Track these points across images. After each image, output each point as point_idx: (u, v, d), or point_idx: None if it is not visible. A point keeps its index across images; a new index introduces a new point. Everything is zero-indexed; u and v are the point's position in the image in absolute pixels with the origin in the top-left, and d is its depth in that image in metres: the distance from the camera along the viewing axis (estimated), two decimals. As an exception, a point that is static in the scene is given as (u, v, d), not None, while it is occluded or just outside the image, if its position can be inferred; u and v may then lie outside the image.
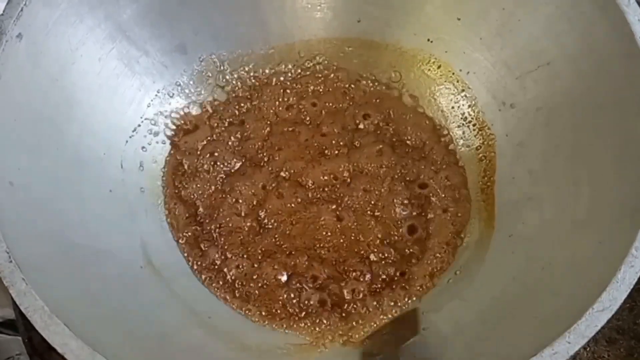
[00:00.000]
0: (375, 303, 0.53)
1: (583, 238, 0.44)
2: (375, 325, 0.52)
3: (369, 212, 0.57)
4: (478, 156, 0.58)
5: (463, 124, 0.60)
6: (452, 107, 0.61)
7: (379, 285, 0.54)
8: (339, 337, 0.52)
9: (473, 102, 0.59)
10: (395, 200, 0.57)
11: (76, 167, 0.50)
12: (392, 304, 0.53)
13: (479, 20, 0.57)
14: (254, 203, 0.57)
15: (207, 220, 0.57)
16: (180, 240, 0.56)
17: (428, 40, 0.61)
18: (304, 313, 0.53)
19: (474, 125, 0.59)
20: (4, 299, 0.53)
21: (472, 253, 0.54)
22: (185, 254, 0.55)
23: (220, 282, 0.54)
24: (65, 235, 0.45)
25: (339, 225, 0.56)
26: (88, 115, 0.52)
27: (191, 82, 0.60)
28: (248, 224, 0.56)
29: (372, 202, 0.57)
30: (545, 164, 0.52)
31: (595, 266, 0.40)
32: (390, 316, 0.52)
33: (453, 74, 0.60)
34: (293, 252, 0.55)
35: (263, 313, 0.53)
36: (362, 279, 0.54)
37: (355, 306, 0.53)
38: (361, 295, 0.53)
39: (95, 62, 0.53)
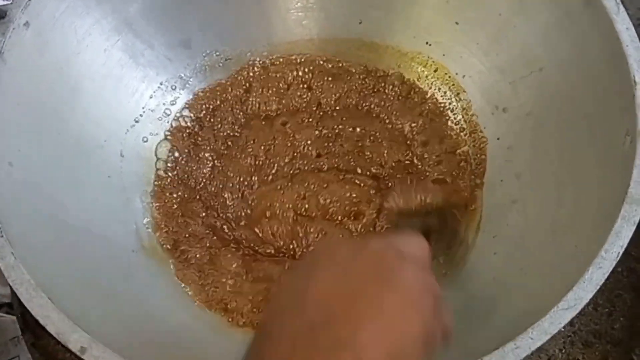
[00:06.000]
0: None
1: (562, 241, 0.45)
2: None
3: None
4: (467, 158, 0.59)
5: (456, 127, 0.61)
6: (447, 110, 0.62)
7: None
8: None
9: (467, 105, 0.60)
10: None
11: (76, 153, 0.52)
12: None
13: (477, 26, 0.57)
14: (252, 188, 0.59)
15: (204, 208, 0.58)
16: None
17: (427, 43, 0.62)
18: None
19: (466, 128, 0.60)
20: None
21: (456, 253, 0.54)
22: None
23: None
24: (61, 216, 0.47)
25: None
26: (91, 104, 0.54)
27: (194, 76, 0.62)
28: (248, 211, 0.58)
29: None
30: (532, 168, 0.52)
31: (568, 268, 0.41)
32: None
33: (450, 77, 0.61)
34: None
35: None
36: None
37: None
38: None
39: (101, 53, 0.55)
